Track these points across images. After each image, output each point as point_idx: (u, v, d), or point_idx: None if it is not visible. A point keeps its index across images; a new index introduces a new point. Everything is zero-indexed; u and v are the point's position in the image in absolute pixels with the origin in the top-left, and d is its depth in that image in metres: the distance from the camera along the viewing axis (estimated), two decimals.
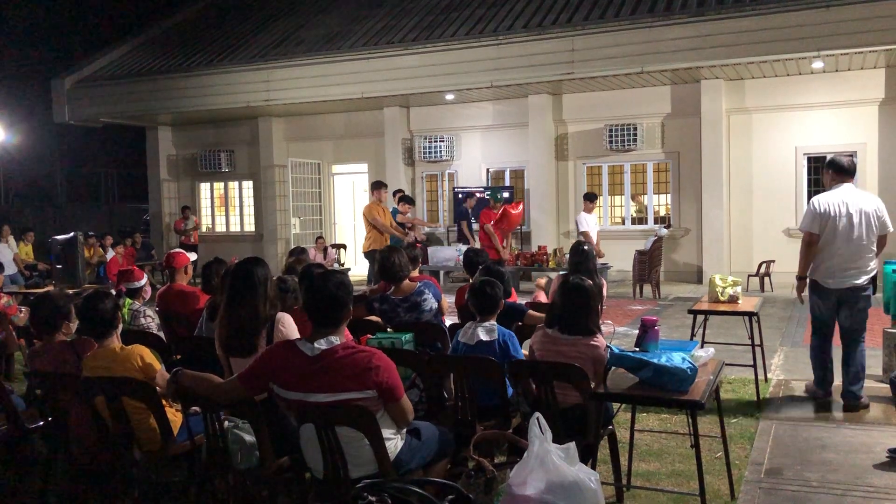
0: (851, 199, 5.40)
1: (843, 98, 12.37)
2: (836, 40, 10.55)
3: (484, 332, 4.19)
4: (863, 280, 5.42)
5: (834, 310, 5.58)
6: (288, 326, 3.94)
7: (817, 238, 5.44)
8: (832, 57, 11.17)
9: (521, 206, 11.80)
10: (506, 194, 13.34)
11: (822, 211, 5.40)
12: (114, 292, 4.85)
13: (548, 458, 2.12)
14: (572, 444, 2.21)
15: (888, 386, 5.66)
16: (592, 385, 3.68)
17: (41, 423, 4.25)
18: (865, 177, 12.28)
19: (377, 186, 11.38)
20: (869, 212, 5.39)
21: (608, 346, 3.73)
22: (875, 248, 5.44)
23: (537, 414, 2.23)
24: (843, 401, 5.52)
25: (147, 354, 3.84)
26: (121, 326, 4.03)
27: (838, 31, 10.50)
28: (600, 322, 6.05)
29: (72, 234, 10.29)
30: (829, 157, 5.75)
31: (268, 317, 3.90)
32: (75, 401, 3.88)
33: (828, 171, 5.59)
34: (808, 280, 5.63)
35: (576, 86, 13.35)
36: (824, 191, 5.63)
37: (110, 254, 15.16)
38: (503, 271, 5.17)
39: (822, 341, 5.69)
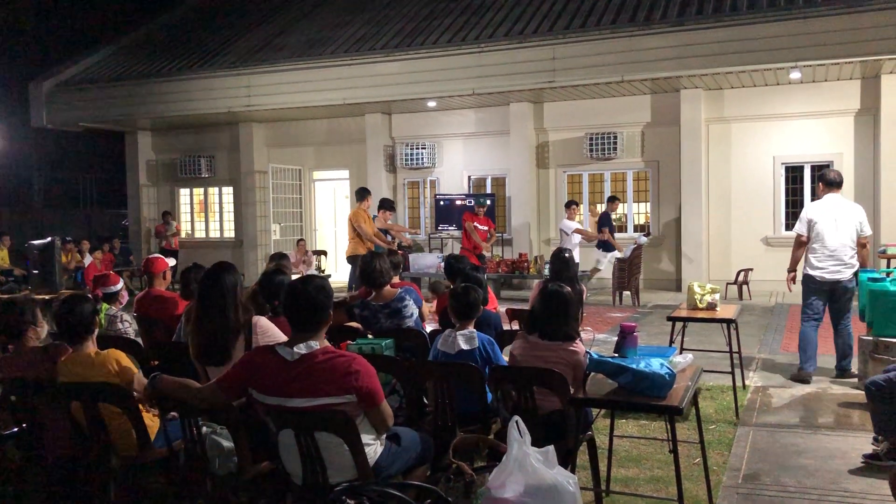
0: (836, 208, 6.56)
1: (820, 108, 12.54)
2: (812, 51, 10.70)
3: (464, 340, 4.19)
4: (847, 274, 6.50)
5: (825, 300, 6.64)
6: (267, 329, 3.90)
7: (806, 240, 6.60)
8: (809, 68, 11.33)
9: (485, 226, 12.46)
10: (488, 202, 13.43)
11: (811, 218, 6.58)
12: (90, 297, 4.80)
13: (526, 461, 2.12)
14: (551, 448, 2.21)
15: (863, 392, 5.71)
16: (572, 390, 3.70)
17: (15, 429, 4.19)
18: (842, 186, 12.41)
19: (365, 194, 11.44)
20: (850, 218, 6.52)
21: (587, 352, 3.74)
22: (855, 249, 6.53)
23: (516, 417, 2.24)
24: (837, 373, 6.68)
25: (123, 358, 3.80)
26: (97, 331, 3.99)
27: (815, 43, 10.66)
28: (580, 329, 6.09)
29: (49, 238, 10.19)
30: (822, 171, 7.07)
31: (241, 324, 3.85)
32: (50, 406, 3.83)
33: (819, 183, 6.80)
34: (802, 275, 6.71)
35: (557, 94, 13.42)
36: (814, 199, 6.99)
37: (88, 259, 15.01)
38: (481, 278, 5.18)
39: (811, 328, 6.67)
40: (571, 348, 3.88)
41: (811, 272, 6.58)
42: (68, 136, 20.54)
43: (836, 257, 6.47)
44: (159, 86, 15.34)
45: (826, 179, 6.66)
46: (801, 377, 6.62)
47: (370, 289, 5.23)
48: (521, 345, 4.02)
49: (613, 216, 13.69)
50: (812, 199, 12.63)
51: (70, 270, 14.49)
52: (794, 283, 6.87)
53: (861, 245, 6.55)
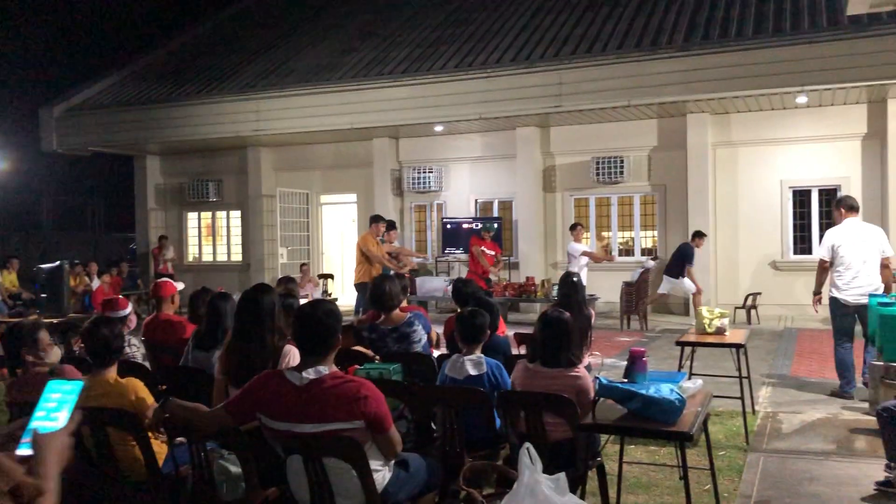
0: (859, 231, 6.79)
1: (826, 133, 12.55)
2: (819, 76, 10.73)
3: (472, 365, 4.18)
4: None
5: (853, 321, 6.83)
6: (294, 360, 3.90)
7: (829, 264, 6.81)
8: (815, 92, 11.35)
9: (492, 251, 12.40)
10: (495, 225, 13.44)
11: (834, 242, 6.78)
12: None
13: (538, 488, 2.11)
14: (562, 475, 2.20)
15: (874, 418, 5.66)
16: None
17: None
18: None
19: (376, 220, 11.51)
20: (873, 241, 6.74)
21: (597, 378, 3.72)
22: (879, 269, 6.71)
23: (527, 444, 2.22)
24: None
25: (142, 389, 3.77)
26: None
27: (821, 67, 10.69)
28: (588, 353, 6.06)
29: (57, 262, 10.23)
30: (839, 195, 7.41)
31: (276, 348, 3.87)
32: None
33: (838, 208, 6.94)
34: (829, 298, 6.89)
35: (563, 118, 13.48)
36: (832, 224, 7.20)
37: (96, 282, 15.05)
38: (493, 303, 5.17)
39: (844, 349, 6.84)
40: (573, 373, 3.86)
41: (837, 295, 6.81)
42: (78, 160, 20.66)
43: (860, 280, 6.68)
44: (168, 110, 15.47)
45: (847, 204, 6.88)
46: (842, 395, 6.83)
47: (379, 312, 5.23)
48: (522, 373, 4.01)
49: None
50: (822, 223, 12.67)
51: (78, 294, 14.52)
52: (820, 304, 7.08)
53: (883, 266, 6.75)
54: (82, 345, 3.95)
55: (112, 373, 3.85)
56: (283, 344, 3.94)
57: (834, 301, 6.86)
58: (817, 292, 7.03)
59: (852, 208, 6.86)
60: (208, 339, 4.71)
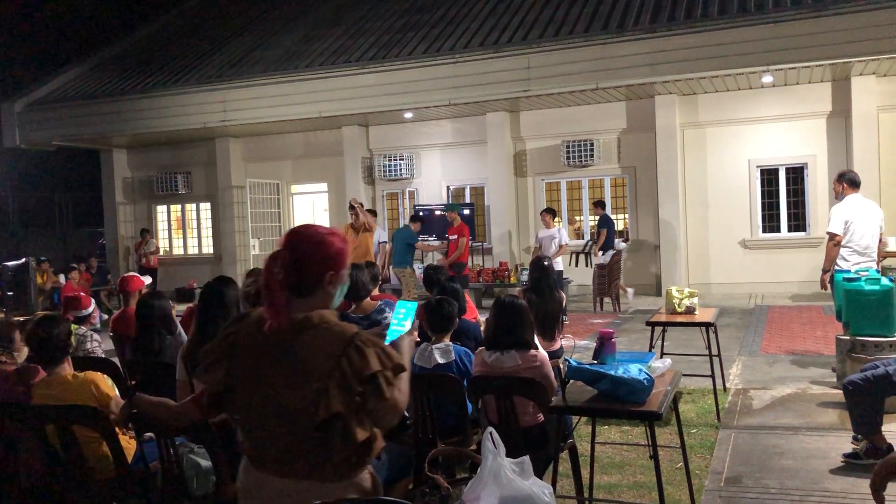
0: (863, 207, 6.85)
1: (792, 111, 12.68)
2: (783, 55, 10.82)
3: (440, 353, 4.17)
4: (875, 269, 6.70)
5: None
6: None
7: (841, 238, 6.76)
8: (781, 71, 11.46)
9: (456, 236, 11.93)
10: (466, 211, 13.40)
11: (847, 217, 6.76)
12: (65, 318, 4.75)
13: (501, 472, 2.11)
14: (526, 458, 2.20)
15: (842, 391, 5.76)
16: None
17: None
18: (816, 188, 12.59)
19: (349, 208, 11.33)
20: (875, 216, 6.85)
21: (566, 360, 3.74)
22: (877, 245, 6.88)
23: (490, 429, 2.23)
24: None
25: (101, 382, 3.74)
26: (71, 352, 3.94)
27: (786, 46, 10.78)
28: (561, 336, 6.08)
29: (23, 259, 10.07)
30: (842, 172, 7.16)
31: None
32: (24, 429, 3.77)
33: (841, 183, 6.96)
34: (831, 275, 6.84)
35: (533, 103, 13.48)
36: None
37: (64, 280, 14.84)
38: (458, 288, 5.17)
39: None
40: (530, 355, 3.88)
41: (845, 267, 6.77)
42: (43, 155, 20.33)
43: (866, 254, 6.77)
44: (133, 103, 15.24)
45: (849, 179, 6.94)
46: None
47: (350, 301, 5.22)
48: (480, 361, 4.02)
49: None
50: (789, 202, 12.83)
51: (46, 291, 14.30)
52: (832, 281, 6.90)
53: (880, 241, 6.99)
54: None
55: (67, 369, 3.82)
56: None
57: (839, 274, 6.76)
58: (828, 269, 6.93)
59: (854, 183, 6.89)
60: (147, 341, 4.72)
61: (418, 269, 12.93)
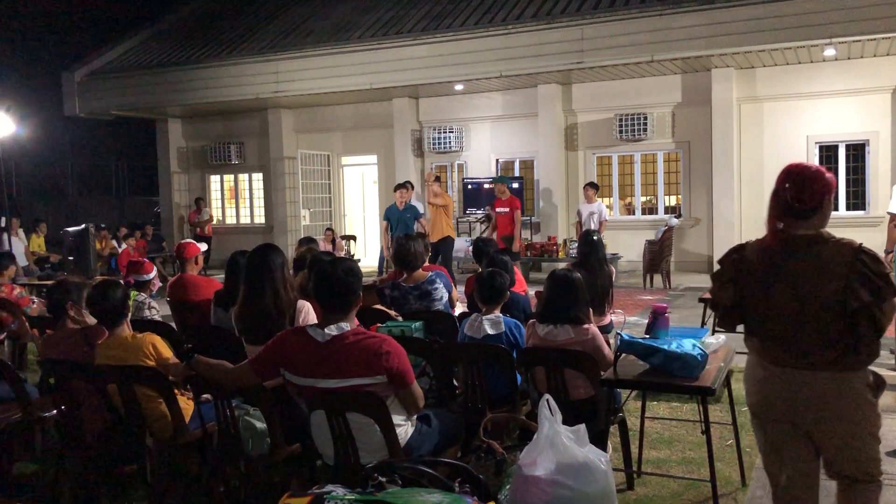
0: None
1: (854, 86, 12.27)
2: (848, 27, 10.46)
3: (490, 325, 4.19)
4: None
5: None
6: (310, 316, 3.95)
7: None
8: (844, 44, 11.07)
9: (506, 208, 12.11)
10: (515, 185, 13.35)
11: None
12: (121, 282, 4.89)
13: (557, 439, 2.12)
14: (582, 426, 2.21)
15: None
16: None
17: (54, 411, 4.28)
18: (878, 165, 12.20)
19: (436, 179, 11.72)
20: None
21: (619, 334, 3.72)
22: None
23: (547, 396, 2.24)
24: None
25: (159, 343, 3.86)
26: (129, 315, 4.06)
27: (850, 18, 10.40)
28: (611, 311, 6.05)
29: (83, 225, 10.34)
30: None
31: (290, 301, 3.93)
32: (87, 389, 3.91)
33: None
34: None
35: (585, 75, 13.29)
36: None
37: (122, 246, 15.22)
38: (507, 261, 5.18)
39: None
40: (583, 329, 3.86)
41: None
42: (101, 124, 20.75)
43: None
44: (188, 73, 15.46)
45: None
46: None
47: (402, 270, 5.27)
48: (532, 332, 4.02)
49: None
50: (849, 179, 12.48)
51: (104, 257, 14.70)
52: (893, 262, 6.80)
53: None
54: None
55: (126, 330, 3.96)
56: (297, 297, 3.98)
57: None
58: (890, 251, 6.70)
59: None
60: (227, 298, 4.77)
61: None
